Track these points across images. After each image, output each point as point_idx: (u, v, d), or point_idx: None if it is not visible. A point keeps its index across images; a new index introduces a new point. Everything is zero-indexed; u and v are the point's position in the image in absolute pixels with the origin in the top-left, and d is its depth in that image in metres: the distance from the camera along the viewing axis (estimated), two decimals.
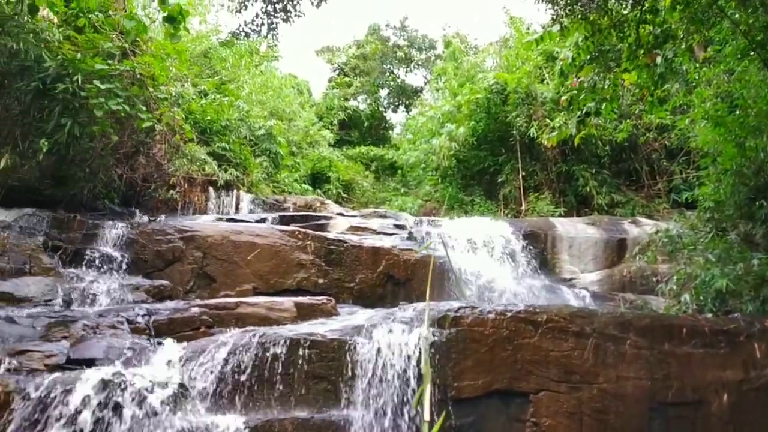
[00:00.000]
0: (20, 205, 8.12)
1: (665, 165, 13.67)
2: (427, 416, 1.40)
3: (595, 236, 10.12)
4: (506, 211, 14.21)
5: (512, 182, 14.46)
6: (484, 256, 9.15)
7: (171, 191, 10.36)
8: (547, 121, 13.55)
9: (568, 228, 10.31)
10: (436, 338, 4.88)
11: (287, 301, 6.72)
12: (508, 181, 14.52)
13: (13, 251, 6.75)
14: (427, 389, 1.32)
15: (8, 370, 4.53)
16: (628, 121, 12.27)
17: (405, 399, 4.69)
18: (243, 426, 4.32)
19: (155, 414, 4.29)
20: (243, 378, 4.64)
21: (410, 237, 9.57)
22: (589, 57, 7.19)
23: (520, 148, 14.44)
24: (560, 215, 12.73)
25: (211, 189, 11.58)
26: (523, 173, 14.35)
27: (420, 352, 4.80)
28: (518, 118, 14.25)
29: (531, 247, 9.67)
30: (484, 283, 8.30)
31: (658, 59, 6.93)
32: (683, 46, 7.06)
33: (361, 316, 6.04)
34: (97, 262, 7.39)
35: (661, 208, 12.95)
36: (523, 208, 13.90)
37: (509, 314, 5.04)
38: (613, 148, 13.59)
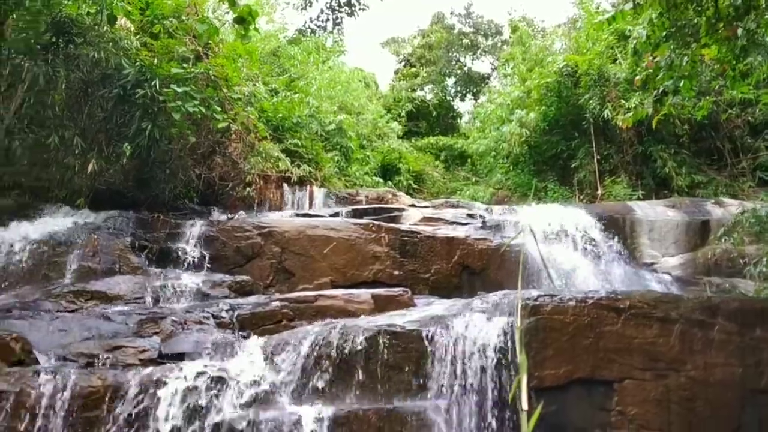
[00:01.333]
0: (106, 208, 8.50)
1: (749, 142, 13.06)
2: (525, 405, 1.40)
3: (676, 219, 9.80)
4: (581, 197, 13.90)
5: (587, 166, 14.13)
6: (561, 243, 9.00)
7: (247, 189, 10.62)
8: (622, 102, 13.16)
9: (647, 211, 10.02)
10: (515, 327, 4.85)
11: (364, 294, 6.80)
12: (583, 166, 14.19)
13: (103, 252, 7.08)
14: (524, 378, 1.32)
15: (105, 364, 4.77)
16: (708, 98, 11.72)
17: (485, 387, 4.69)
18: (327, 417, 4.40)
19: (243, 406, 4.42)
20: (325, 370, 4.73)
21: (484, 226, 9.51)
22: (664, 34, 6.94)
23: (594, 131, 14.09)
24: (638, 198, 12.36)
25: (285, 185, 11.81)
26: (598, 157, 14.00)
27: (500, 341, 4.79)
28: (591, 101, 13.89)
29: (609, 233, 9.44)
30: (563, 270, 8.17)
31: (739, 31, 6.63)
32: (766, 17, 6.73)
33: (439, 306, 6.06)
34: (181, 259, 7.66)
35: (746, 187, 12.40)
36: (599, 192, 13.57)
37: (590, 301, 4.96)
38: (692, 126, 13.08)
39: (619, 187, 13.17)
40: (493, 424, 4.57)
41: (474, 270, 8.39)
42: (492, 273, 8.39)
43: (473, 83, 28.12)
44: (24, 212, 7.96)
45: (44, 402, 4.25)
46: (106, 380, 4.42)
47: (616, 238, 9.42)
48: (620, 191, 13.04)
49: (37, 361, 4.63)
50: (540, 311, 4.97)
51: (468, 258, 8.40)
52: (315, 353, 4.79)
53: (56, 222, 7.63)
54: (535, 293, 5.26)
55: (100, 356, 4.87)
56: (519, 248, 8.42)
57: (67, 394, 4.29)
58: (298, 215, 9.94)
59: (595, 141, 14.08)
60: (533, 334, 4.81)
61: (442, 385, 4.75)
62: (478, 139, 19.19)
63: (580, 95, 14.27)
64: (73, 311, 5.77)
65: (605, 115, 13.32)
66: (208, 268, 7.72)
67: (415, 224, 9.60)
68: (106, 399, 4.33)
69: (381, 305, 6.55)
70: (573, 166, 14.44)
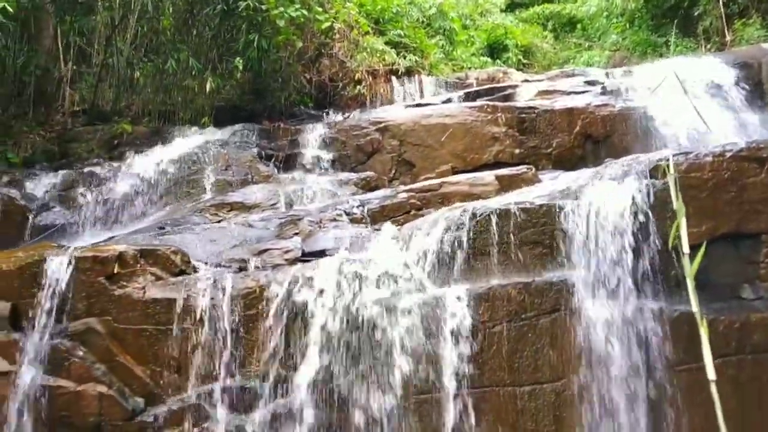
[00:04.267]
0: (229, 123, 8.88)
1: None
2: (686, 249, 1.42)
3: None
4: (708, 46, 12.90)
5: (711, 12, 13.00)
6: (690, 98, 8.49)
7: (357, 87, 10.70)
8: None
9: None
10: (650, 190, 4.73)
11: (488, 175, 6.81)
12: (707, 12, 13.07)
13: (234, 165, 7.48)
14: (683, 222, 1.32)
15: (256, 267, 5.14)
16: None
17: (622, 253, 4.65)
18: (467, 295, 4.56)
19: (385, 293, 4.65)
20: (460, 252, 4.85)
21: (604, 92, 9.11)
22: None
23: None
24: None
25: (393, 78, 11.75)
26: None
27: (633, 206, 4.70)
28: None
29: (743, 80, 8.77)
30: (694, 127, 7.75)
31: None
32: None
33: (565, 179, 5.97)
34: (305, 163, 7.96)
35: None
36: (728, 39, 12.52)
37: (728, 154, 4.72)
38: None
39: (752, 29, 12.06)
40: (631, 285, 4.57)
41: (597, 139, 8.15)
42: (617, 140, 8.13)
43: None
44: (157, 137, 8.48)
45: (208, 305, 4.68)
46: (260, 281, 4.78)
47: (750, 85, 8.75)
48: (753, 33, 11.95)
49: (195, 270, 5.06)
50: (675, 170, 4.80)
51: (590, 127, 8.16)
52: (448, 236, 4.90)
53: (187, 142, 8.09)
54: (667, 152, 5.06)
55: (250, 260, 5.24)
56: (643, 110, 8.07)
57: (227, 296, 4.69)
58: (410, 106, 9.92)
59: None
60: (669, 194, 4.66)
61: (578, 256, 4.75)
62: (588, 0, 18.05)
63: None
64: (217, 222, 6.20)
65: None
66: (332, 168, 7.97)
67: (530, 99, 9.35)
68: (262, 297, 4.70)
69: (506, 185, 6.55)
70: (696, 14, 13.33)
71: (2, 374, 4.52)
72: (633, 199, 4.77)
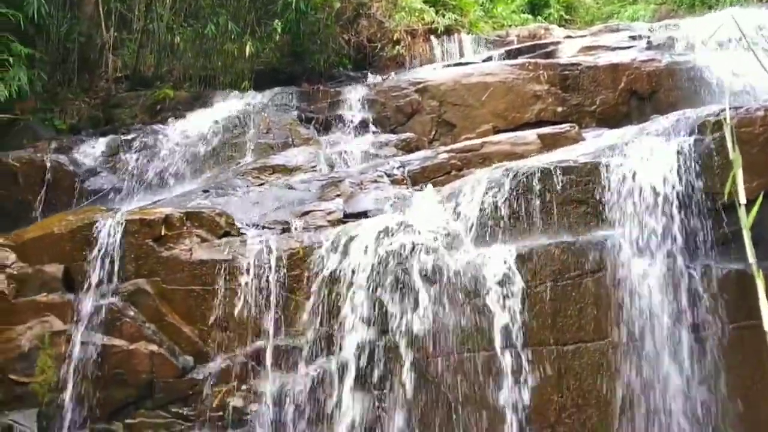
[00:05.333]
0: (269, 86, 8.90)
1: None
2: (743, 199, 1.39)
3: None
4: None
5: None
6: (743, 53, 8.19)
7: (396, 47, 10.59)
8: None
9: None
10: (697, 147, 4.62)
11: (529, 134, 6.73)
12: None
13: (275, 128, 7.52)
14: (739, 173, 1.29)
15: (299, 228, 5.20)
16: None
17: (669, 211, 4.57)
18: (511, 255, 4.54)
19: (427, 253, 4.67)
20: (502, 212, 4.82)
21: (650, 47, 8.85)
22: None
23: None
24: None
25: (432, 38, 11.58)
26: None
27: (681, 162, 4.60)
28: None
29: None
30: (745, 81, 7.49)
31: None
32: None
33: (610, 136, 5.88)
34: (345, 126, 7.96)
35: None
36: None
37: None
38: None
39: None
40: (677, 243, 4.49)
41: (643, 95, 7.95)
42: (663, 96, 7.92)
43: None
44: (198, 102, 8.57)
45: (253, 266, 4.76)
46: (303, 242, 4.85)
47: None
48: None
49: (240, 232, 5.13)
50: (723, 126, 4.67)
51: (635, 83, 7.96)
52: (490, 196, 4.87)
53: (228, 106, 8.15)
54: (716, 108, 4.92)
55: (293, 222, 5.30)
56: (692, 64, 7.82)
57: (271, 257, 4.77)
58: (450, 66, 9.80)
59: None
60: (718, 150, 4.55)
61: (623, 215, 4.69)
62: None
63: None
64: (260, 185, 6.27)
65: None
66: (372, 130, 7.95)
67: (573, 56, 9.14)
68: (306, 258, 4.76)
69: (548, 144, 6.46)
70: None
71: (58, 333, 4.69)
72: (680, 155, 4.67)
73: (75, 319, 4.71)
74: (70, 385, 4.58)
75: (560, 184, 4.79)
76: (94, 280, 4.82)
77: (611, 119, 7.85)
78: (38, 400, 4.57)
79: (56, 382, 4.58)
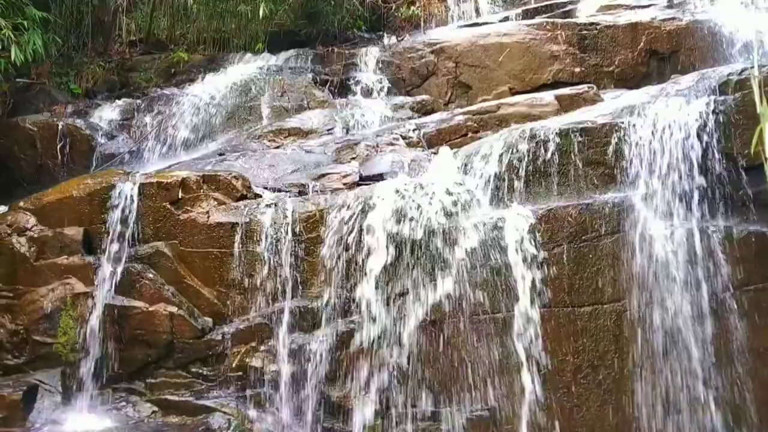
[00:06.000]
0: (282, 49, 8.83)
1: None
2: None
3: None
4: None
5: None
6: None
7: (411, 8, 10.43)
8: None
9: None
10: (719, 106, 4.55)
11: (547, 96, 6.66)
12: None
13: (290, 91, 7.48)
14: (766, 127, 1.27)
15: (315, 191, 5.20)
16: None
17: (687, 171, 4.53)
18: (527, 217, 4.53)
19: (443, 215, 4.66)
20: (520, 173, 4.80)
21: (670, 5, 8.66)
22: None
23: None
24: None
25: None
26: None
27: (701, 124, 4.54)
28: None
29: None
30: None
31: None
32: None
33: (629, 97, 5.80)
34: (360, 88, 7.89)
35: None
36: None
37: None
38: None
39: None
40: (696, 205, 4.46)
41: (663, 55, 7.82)
42: (683, 56, 7.79)
43: None
44: (213, 65, 8.52)
45: (270, 229, 4.78)
46: (319, 204, 4.86)
47: None
48: None
49: (256, 195, 5.15)
50: (746, 86, 4.59)
51: (655, 42, 7.82)
52: (506, 158, 4.85)
53: (243, 69, 8.11)
54: (738, 67, 4.85)
55: (309, 185, 5.31)
56: (713, 22, 7.66)
57: (288, 220, 4.79)
58: (466, 26, 9.65)
59: None
60: (740, 111, 4.48)
61: (641, 175, 4.65)
62: None
63: None
64: (276, 148, 6.26)
65: None
66: (387, 92, 7.89)
67: (592, 15, 8.96)
68: (322, 221, 4.78)
69: (566, 105, 6.39)
70: None
71: (79, 295, 4.76)
72: (700, 115, 4.61)
73: (95, 281, 4.77)
74: (92, 346, 4.65)
75: (578, 145, 4.75)
76: (113, 242, 4.86)
77: (630, 80, 7.74)
78: (62, 361, 4.66)
79: (79, 343, 4.66)
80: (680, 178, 4.50)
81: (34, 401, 4.47)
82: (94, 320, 4.67)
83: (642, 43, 7.82)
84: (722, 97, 4.63)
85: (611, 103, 5.71)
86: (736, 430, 4.15)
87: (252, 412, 4.47)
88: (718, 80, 4.73)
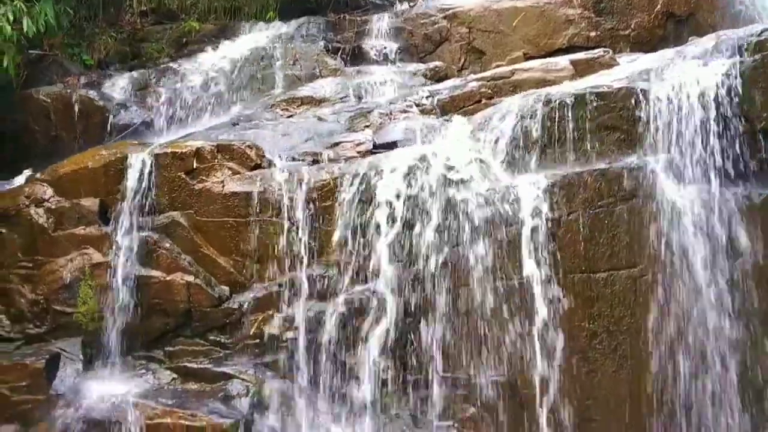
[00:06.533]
0: (294, 16, 8.73)
1: None
2: None
3: None
4: None
5: None
6: None
7: None
8: None
9: None
10: (738, 69, 4.48)
11: (562, 60, 6.56)
12: None
13: (302, 59, 7.43)
14: None
15: (329, 160, 5.19)
16: None
17: (705, 135, 4.48)
18: (541, 183, 4.51)
19: (458, 183, 4.66)
20: (534, 140, 4.77)
21: None
22: None
23: None
24: None
25: None
26: None
27: (720, 87, 4.48)
28: None
29: None
30: None
31: None
32: None
33: (645, 60, 5.71)
34: (373, 55, 7.83)
35: None
36: None
37: None
38: None
39: None
40: (714, 169, 4.43)
41: (680, 17, 7.68)
42: (702, 17, 7.65)
43: None
44: (225, 34, 8.45)
45: (284, 198, 4.80)
46: (334, 173, 4.86)
47: None
48: None
49: (271, 164, 5.15)
50: (765, 47, 4.52)
51: (672, 5, 7.68)
52: (521, 124, 4.81)
53: (254, 38, 8.03)
54: (759, 27, 4.76)
55: (322, 153, 5.29)
56: None
57: (302, 189, 4.80)
58: None
59: None
60: (760, 73, 4.41)
61: (658, 140, 4.61)
62: None
63: None
64: (289, 117, 6.24)
65: None
66: (399, 59, 7.82)
67: None
68: (337, 189, 4.78)
69: (581, 70, 6.30)
70: None
71: (97, 265, 4.82)
72: (719, 78, 4.54)
73: (113, 251, 4.82)
74: (111, 315, 4.73)
75: (594, 110, 4.71)
76: (130, 213, 4.90)
77: (647, 43, 7.62)
78: (82, 330, 4.74)
79: (98, 312, 4.73)
80: (698, 142, 4.46)
81: (57, 369, 4.55)
82: (113, 290, 4.73)
83: (659, 6, 7.68)
84: (741, 59, 4.56)
85: (627, 67, 5.64)
86: (755, 397, 4.18)
87: (269, 379, 4.54)
88: (737, 42, 4.65)
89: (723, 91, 4.49)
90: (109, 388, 4.48)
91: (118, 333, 4.72)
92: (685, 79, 4.63)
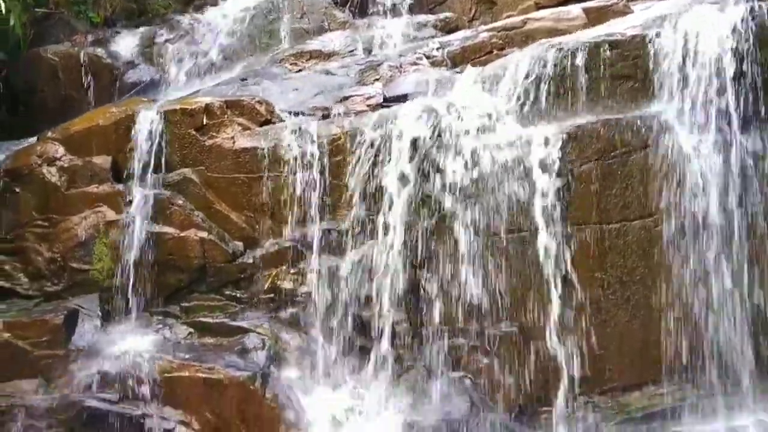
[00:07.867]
0: None
1: None
2: None
3: None
4: None
5: None
6: None
7: None
8: None
9: None
10: (755, 15, 4.38)
11: (574, 9, 6.44)
12: None
13: (310, 12, 7.33)
14: None
15: (339, 114, 5.16)
16: None
17: (721, 84, 4.40)
18: (554, 134, 4.47)
19: (470, 135, 4.63)
20: (547, 90, 4.70)
21: None
22: None
23: None
24: None
25: None
26: None
27: (737, 34, 4.38)
28: None
29: None
30: None
31: None
32: None
33: (660, 7, 5.58)
34: (381, 7, 7.71)
35: None
36: None
37: None
38: None
39: None
40: (729, 120, 4.37)
41: None
42: None
43: None
44: None
45: (295, 153, 4.79)
46: (344, 127, 4.83)
47: None
48: None
49: (280, 119, 5.13)
50: None
51: None
52: (534, 75, 4.73)
53: None
54: None
55: (333, 108, 5.27)
56: None
57: (314, 143, 4.78)
58: None
59: None
60: None
61: (672, 90, 4.54)
62: None
63: None
64: (297, 72, 6.19)
65: None
66: (409, 10, 7.70)
67: None
68: (347, 143, 4.76)
69: (594, 18, 6.18)
70: None
71: (111, 223, 4.85)
72: (735, 25, 4.44)
73: (126, 208, 4.85)
74: (126, 272, 4.77)
75: (607, 58, 4.63)
76: (141, 170, 4.91)
77: None
78: (99, 286, 4.80)
79: (114, 269, 4.78)
80: (713, 90, 4.38)
81: (75, 325, 4.62)
82: (127, 247, 4.77)
83: None
84: (759, 4, 4.45)
85: (641, 15, 5.51)
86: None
87: (285, 332, 4.60)
88: None
89: (739, 39, 4.39)
90: (127, 342, 4.55)
91: (134, 289, 4.77)
92: (700, 25, 4.52)
